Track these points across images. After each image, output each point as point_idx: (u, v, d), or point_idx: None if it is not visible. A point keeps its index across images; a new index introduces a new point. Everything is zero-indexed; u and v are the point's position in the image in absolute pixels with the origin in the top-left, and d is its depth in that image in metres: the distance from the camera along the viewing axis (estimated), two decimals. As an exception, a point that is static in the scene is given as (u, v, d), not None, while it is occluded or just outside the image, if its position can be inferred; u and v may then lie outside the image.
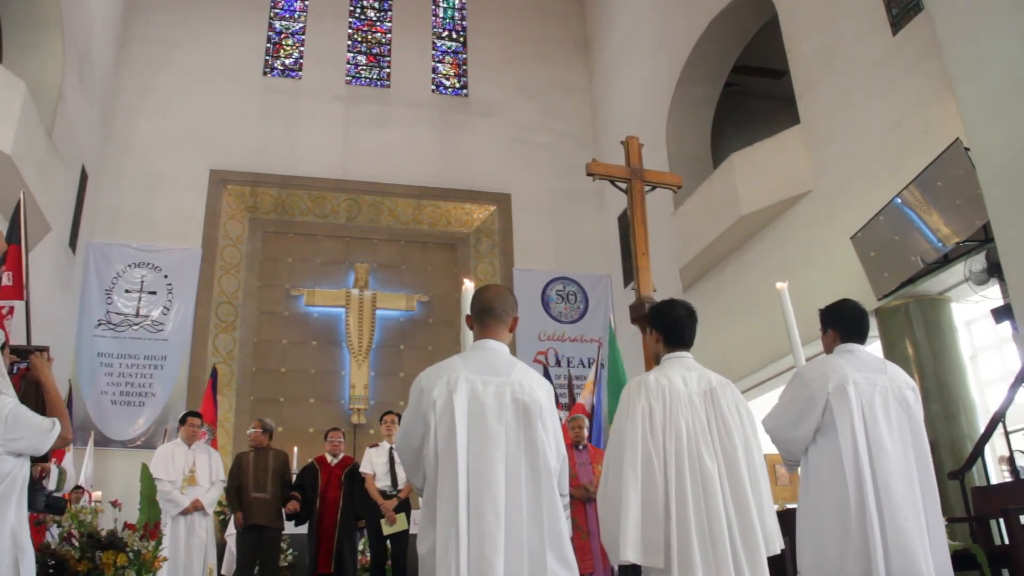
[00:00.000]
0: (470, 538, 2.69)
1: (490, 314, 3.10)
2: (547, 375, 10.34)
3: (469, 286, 3.53)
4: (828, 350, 3.87)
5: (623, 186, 5.12)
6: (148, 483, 7.26)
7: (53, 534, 5.73)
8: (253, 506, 7.63)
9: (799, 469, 3.74)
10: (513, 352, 3.16)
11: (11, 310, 5.97)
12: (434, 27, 15.76)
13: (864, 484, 3.40)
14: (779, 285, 4.22)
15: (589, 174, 5.01)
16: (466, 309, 3.25)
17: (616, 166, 5.16)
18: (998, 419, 6.24)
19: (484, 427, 2.84)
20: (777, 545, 3.11)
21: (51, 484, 5.68)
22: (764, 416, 3.82)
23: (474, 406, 2.87)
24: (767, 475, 3.21)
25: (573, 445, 7.48)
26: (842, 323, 3.84)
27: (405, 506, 7.79)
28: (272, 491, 7.73)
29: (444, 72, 15.45)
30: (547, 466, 2.85)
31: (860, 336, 3.83)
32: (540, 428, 2.89)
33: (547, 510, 2.80)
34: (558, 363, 13.45)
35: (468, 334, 3.21)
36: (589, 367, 13.55)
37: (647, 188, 5.09)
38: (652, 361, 3.57)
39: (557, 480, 2.92)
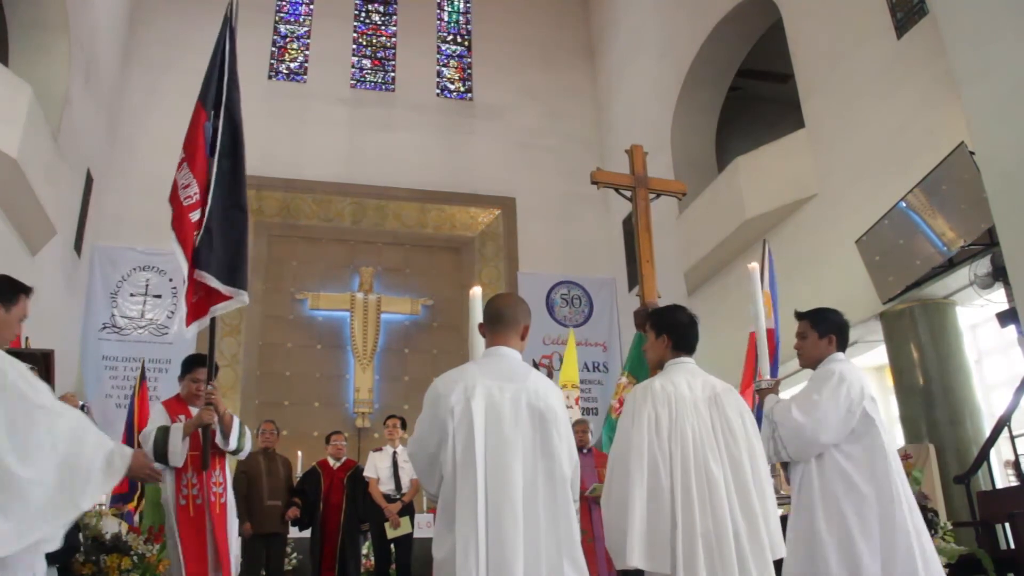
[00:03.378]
0: (489, 543, 2.70)
1: (500, 321, 3.12)
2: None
3: (477, 292, 3.54)
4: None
5: (627, 194, 5.12)
6: (152, 487, 7.25)
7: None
8: (268, 514, 7.61)
9: (794, 474, 3.68)
10: (516, 355, 3.18)
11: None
12: (439, 31, 15.78)
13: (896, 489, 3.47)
14: (751, 266, 4.12)
15: (594, 182, 5.01)
16: (473, 314, 3.27)
17: (620, 174, 5.18)
18: (1003, 423, 6.24)
19: (501, 433, 2.85)
20: (781, 550, 3.10)
21: (232, 439, 4.77)
22: (796, 407, 3.64)
23: (491, 412, 2.88)
24: (771, 480, 3.20)
25: (577, 449, 7.48)
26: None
27: (409, 510, 7.79)
28: (283, 498, 7.76)
29: (449, 76, 15.46)
30: (562, 472, 2.89)
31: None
32: (555, 435, 2.92)
33: (562, 516, 2.83)
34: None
35: (476, 340, 3.25)
36: (594, 371, 13.55)
37: (651, 196, 5.09)
38: (653, 366, 3.56)
39: (570, 486, 2.95)
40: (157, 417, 4.84)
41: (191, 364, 5.12)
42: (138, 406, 8.96)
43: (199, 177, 4.61)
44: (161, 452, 4.52)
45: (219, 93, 4.75)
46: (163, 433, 4.59)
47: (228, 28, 4.92)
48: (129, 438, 8.25)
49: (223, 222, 4.49)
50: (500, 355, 3.06)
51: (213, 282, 4.47)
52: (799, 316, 3.96)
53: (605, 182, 5.04)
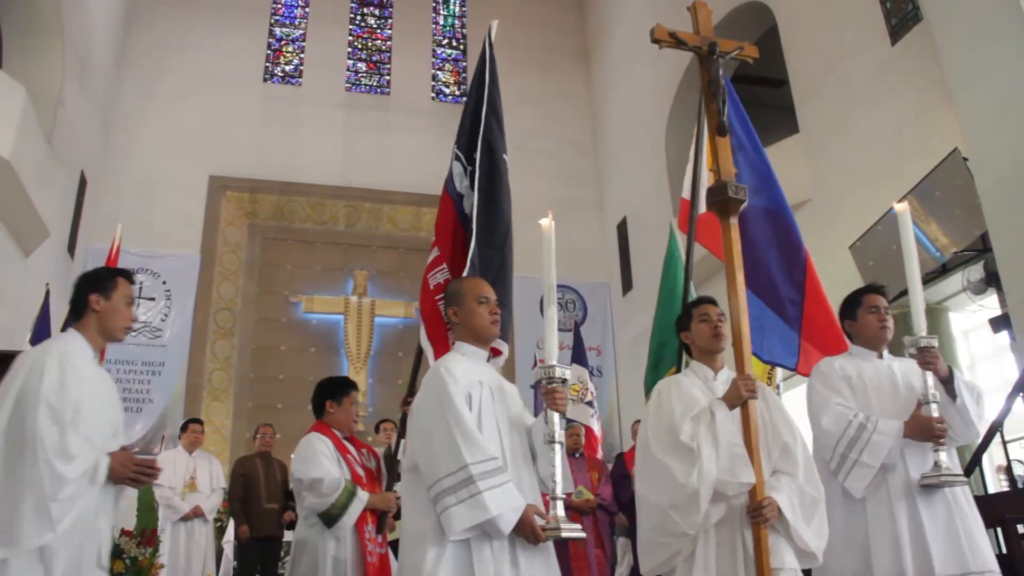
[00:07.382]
0: None
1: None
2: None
3: (549, 224, 3.30)
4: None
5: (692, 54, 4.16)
6: (145, 489, 7.22)
7: None
8: (264, 517, 7.59)
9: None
10: (511, 361, 3.21)
11: None
12: (434, 34, 15.78)
13: None
14: (898, 207, 3.88)
15: (655, 40, 4.21)
16: (548, 246, 3.25)
17: (686, 33, 4.28)
18: (996, 428, 6.23)
19: None
20: None
21: None
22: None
23: None
24: None
25: (570, 453, 7.47)
26: None
27: (405, 513, 7.75)
28: (280, 502, 7.73)
29: (444, 79, 15.47)
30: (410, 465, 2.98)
31: None
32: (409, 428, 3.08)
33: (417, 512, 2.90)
34: (557, 371, 13.41)
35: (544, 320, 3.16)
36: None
37: (719, 57, 4.20)
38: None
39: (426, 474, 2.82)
40: (325, 449, 4.13)
41: (347, 387, 4.49)
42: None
43: (443, 233, 4.31)
44: (335, 516, 3.94)
45: (474, 132, 4.36)
46: (348, 497, 3.98)
47: (489, 69, 4.58)
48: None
49: (481, 260, 4.17)
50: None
51: None
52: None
53: (667, 42, 4.14)
